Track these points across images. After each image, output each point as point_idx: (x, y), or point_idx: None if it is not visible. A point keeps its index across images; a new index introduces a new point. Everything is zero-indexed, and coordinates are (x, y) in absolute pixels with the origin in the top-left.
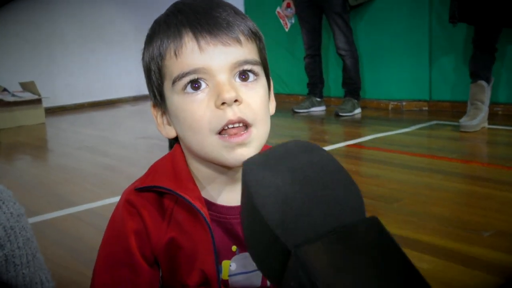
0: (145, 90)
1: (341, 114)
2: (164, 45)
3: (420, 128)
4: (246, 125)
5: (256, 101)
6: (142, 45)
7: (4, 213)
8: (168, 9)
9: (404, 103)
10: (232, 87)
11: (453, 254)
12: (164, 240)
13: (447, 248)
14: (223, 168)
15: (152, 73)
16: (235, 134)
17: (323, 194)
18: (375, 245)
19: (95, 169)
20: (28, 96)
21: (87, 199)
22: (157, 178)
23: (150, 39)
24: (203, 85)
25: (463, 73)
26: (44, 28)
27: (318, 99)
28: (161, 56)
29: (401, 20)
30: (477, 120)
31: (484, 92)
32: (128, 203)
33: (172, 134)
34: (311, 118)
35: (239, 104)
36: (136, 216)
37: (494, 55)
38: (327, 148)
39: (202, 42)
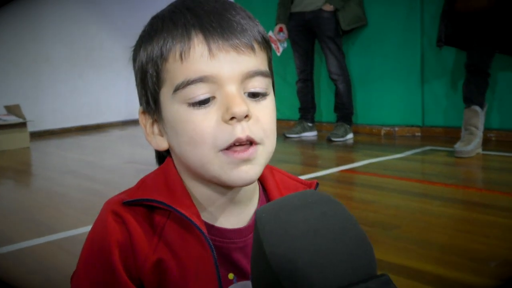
0: (134, 115)
1: (333, 139)
2: (167, 45)
3: (414, 154)
4: (252, 143)
5: (265, 117)
6: (132, 69)
7: None
8: (173, 5)
9: (396, 129)
10: (243, 101)
11: (459, 286)
12: (151, 260)
13: (452, 279)
14: (223, 188)
15: (148, 76)
16: (237, 150)
17: (335, 248)
18: None
19: (80, 194)
20: (12, 119)
21: (69, 225)
22: (148, 192)
23: (149, 36)
24: (210, 99)
25: (456, 98)
26: (30, 51)
27: (310, 124)
28: (163, 58)
29: (393, 45)
30: (471, 145)
31: (478, 117)
32: (113, 213)
33: (163, 146)
34: (302, 143)
35: (248, 120)
36: (122, 227)
37: (487, 80)
38: (320, 173)
39: (213, 47)
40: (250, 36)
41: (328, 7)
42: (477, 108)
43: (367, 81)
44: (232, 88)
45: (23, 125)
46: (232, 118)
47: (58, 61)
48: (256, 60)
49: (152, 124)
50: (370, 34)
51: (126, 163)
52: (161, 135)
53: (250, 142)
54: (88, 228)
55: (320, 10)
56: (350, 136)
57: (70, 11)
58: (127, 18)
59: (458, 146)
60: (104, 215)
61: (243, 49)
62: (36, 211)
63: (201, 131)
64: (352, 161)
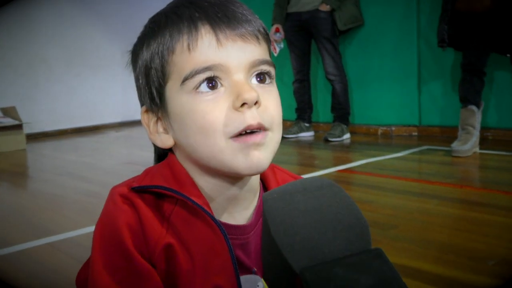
0: (131, 116)
1: (330, 139)
2: (174, 37)
3: (411, 153)
4: (262, 129)
5: (273, 104)
6: (129, 71)
7: None
8: (174, 2)
9: (393, 128)
10: (252, 87)
11: (458, 285)
12: (161, 244)
13: (451, 278)
14: (229, 182)
15: (153, 71)
16: (249, 136)
17: (331, 224)
18: (377, 275)
19: (77, 196)
20: (8, 121)
21: (67, 227)
22: (156, 180)
23: (152, 32)
24: (218, 84)
25: (453, 97)
26: (26, 51)
27: (307, 125)
28: (169, 51)
29: (390, 45)
30: (468, 145)
31: (475, 117)
32: (121, 196)
33: (169, 143)
34: (299, 143)
35: (258, 107)
36: (131, 208)
37: (483, 79)
38: (318, 173)
39: (221, 36)
40: (255, 26)
41: (325, 7)
42: (473, 107)
43: (364, 81)
44: (240, 76)
45: (19, 127)
46: (243, 105)
47: (54, 63)
48: (261, 50)
49: (156, 122)
50: (366, 34)
51: (123, 164)
52: (166, 133)
53: (260, 129)
54: (85, 230)
55: (317, 10)
56: (347, 136)
57: (66, 12)
58: (124, 19)
59: (455, 145)
60: (112, 199)
61: (249, 38)
62: (33, 213)
63: (211, 118)
64: (350, 161)
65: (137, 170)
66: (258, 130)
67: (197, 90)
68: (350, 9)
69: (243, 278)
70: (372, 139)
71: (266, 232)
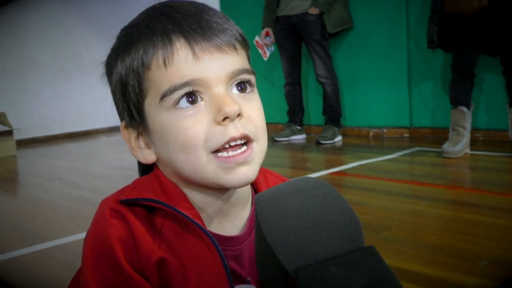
0: None
1: (322, 142)
2: (148, 53)
3: (402, 155)
4: (247, 140)
5: (256, 113)
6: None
7: None
8: (144, 13)
9: (385, 130)
10: (233, 100)
11: (450, 286)
12: (154, 257)
13: (443, 279)
14: (217, 193)
15: (130, 88)
16: (234, 154)
17: (325, 224)
18: (372, 273)
19: (68, 202)
20: None
21: (58, 234)
22: (145, 192)
23: (125, 47)
24: (198, 98)
25: (443, 99)
26: (15, 55)
27: (298, 127)
28: (145, 67)
29: (380, 47)
30: (459, 146)
31: (465, 118)
32: (111, 210)
33: (151, 158)
34: (291, 146)
35: (240, 119)
36: (122, 222)
37: (473, 80)
38: (310, 176)
39: (197, 49)
40: (231, 35)
41: (314, 10)
42: (464, 108)
43: (355, 83)
44: (220, 89)
45: (9, 133)
46: (225, 118)
47: (44, 67)
48: (239, 59)
49: (137, 138)
50: (356, 37)
51: (114, 169)
52: (148, 148)
53: (245, 142)
54: (77, 237)
55: (306, 13)
56: (339, 138)
57: (54, 15)
58: (114, 22)
59: (446, 146)
60: (102, 212)
61: (226, 48)
62: (24, 220)
63: (193, 135)
64: (342, 164)
65: (128, 175)
66: (242, 145)
67: (177, 106)
68: (339, 11)
69: (246, 286)
70: (363, 141)
71: (259, 234)
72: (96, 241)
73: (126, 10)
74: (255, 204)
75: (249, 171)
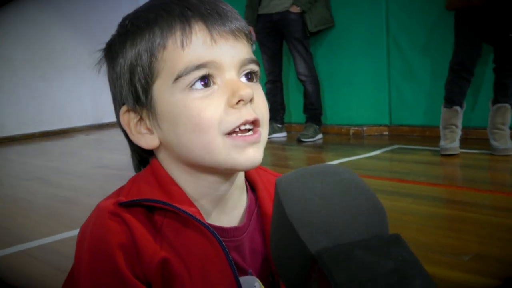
0: (100, 119)
1: (303, 139)
2: (166, 35)
3: (383, 152)
4: (255, 125)
5: (262, 101)
6: (97, 73)
7: None
8: (157, 0)
9: (365, 128)
10: (246, 84)
11: (435, 280)
12: (157, 258)
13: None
14: (221, 179)
15: (139, 69)
16: (246, 134)
17: (349, 208)
18: (398, 259)
19: (48, 201)
20: None
21: (39, 234)
22: (143, 191)
23: (138, 29)
24: (211, 82)
25: (421, 97)
26: None
27: (279, 125)
28: (160, 47)
29: (360, 46)
30: (456, 142)
31: (458, 117)
32: (111, 214)
33: (154, 143)
34: (272, 144)
35: (252, 103)
36: (123, 226)
37: (470, 80)
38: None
39: (214, 33)
40: (243, 24)
41: (295, 9)
42: (458, 108)
43: (335, 81)
44: (232, 74)
45: None
46: (238, 102)
47: (18, 64)
48: (249, 48)
49: (137, 123)
50: (337, 36)
51: (94, 168)
52: (151, 133)
53: (255, 124)
54: (60, 236)
55: (287, 11)
56: (319, 136)
57: (29, 12)
58: (90, 20)
59: (444, 144)
60: (101, 217)
61: (239, 35)
62: (3, 220)
63: (207, 115)
64: (323, 161)
65: (109, 174)
66: (252, 128)
67: (192, 88)
68: (320, 11)
69: (240, 280)
70: (344, 139)
71: (280, 214)
72: (95, 248)
73: (101, 8)
74: (276, 184)
75: (257, 153)
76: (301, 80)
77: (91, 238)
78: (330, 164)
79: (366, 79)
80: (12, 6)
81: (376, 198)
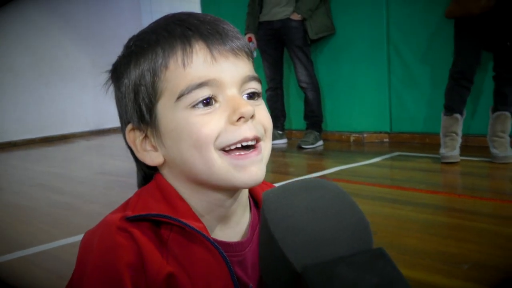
0: (101, 125)
1: (303, 146)
2: (167, 54)
3: (383, 160)
4: (256, 141)
5: (265, 116)
6: (99, 79)
7: None
8: (160, 21)
9: (365, 135)
10: (247, 102)
11: None
12: (163, 274)
13: (428, 283)
14: (225, 196)
15: (143, 89)
16: (246, 152)
17: (333, 224)
18: (382, 274)
19: (50, 208)
20: None
21: (41, 240)
22: (150, 205)
23: (141, 50)
24: (213, 101)
25: (422, 104)
26: None
27: (280, 132)
28: (162, 67)
29: (361, 53)
30: (457, 150)
31: (458, 125)
32: (119, 230)
33: (158, 160)
34: (273, 151)
35: (253, 120)
36: (131, 242)
37: (470, 88)
38: (292, 181)
39: (215, 52)
40: (244, 43)
41: (296, 16)
42: (458, 116)
43: (336, 88)
44: (233, 91)
45: None
46: (239, 119)
47: (21, 71)
48: (250, 65)
49: (143, 141)
50: (338, 43)
51: (96, 174)
52: (155, 150)
53: (255, 141)
54: (61, 242)
55: (288, 19)
56: (320, 143)
57: (33, 19)
58: (93, 27)
59: (444, 152)
60: (109, 231)
61: (240, 53)
62: (5, 226)
63: (206, 132)
64: (323, 168)
65: (111, 180)
66: (252, 146)
67: (194, 106)
68: (321, 18)
69: None
70: (344, 146)
71: (266, 232)
72: (102, 264)
73: (104, 14)
74: (262, 201)
75: (259, 171)
76: (302, 87)
77: (98, 253)
78: (315, 179)
79: (367, 86)
80: (15, 12)
81: (361, 212)
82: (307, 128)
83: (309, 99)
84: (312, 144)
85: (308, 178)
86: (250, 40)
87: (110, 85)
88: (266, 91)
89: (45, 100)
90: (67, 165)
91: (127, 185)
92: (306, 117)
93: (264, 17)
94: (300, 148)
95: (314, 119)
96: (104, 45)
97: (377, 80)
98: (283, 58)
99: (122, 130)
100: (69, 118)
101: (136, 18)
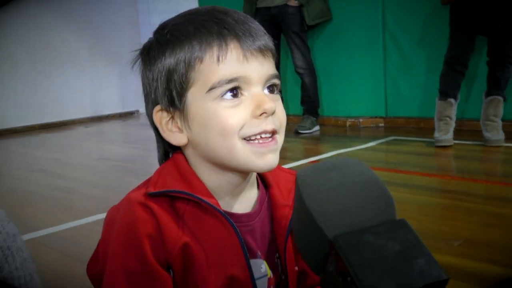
0: (100, 111)
1: (300, 131)
2: (204, 49)
3: (378, 144)
4: (273, 133)
5: (282, 111)
6: (96, 65)
7: (0, 233)
8: (200, 15)
9: (361, 120)
10: (270, 99)
11: None
12: (179, 243)
13: None
14: (239, 177)
15: (176, 76)
16: (265, 141)
17: (360, 197)
18: (403, 242)
19: (54, 192)
20: None
21: (49, 223)
22: (169, 182)
23: (178, 41)
24: (239, 93)
25: (416, 89)
26: None
27: None
28: (198, 60)
29: (357, 39)
30: (450, 134)
31: (452, 109)
32: (140, 205)
33: (183, 141)
34: None
35: (273, 116)
36: (151, 216)
37: (465, 73)
38: (291, 165)
39: (247, 52)
40: (270, 42)
41: (293, 2)
42: (452, 100)
43: (332, 74)
44: (258, 88)
45: None
46: (262, 114)
47: (19, 59)
48: (273, 64)
49: (168, 122)
50: (334, 29)
51: (96, 159)
52: (180, 131)
53: (273, 133)
54: (68, 225)
55: (286, 5)
56: (316, 128)
57: (29, 7)
58: (88, 14)
59: (438, 136)
60: (132, 207)
61: (266, 54)
62: (11, 211)
63: (232, 123)
64: (320, 153)
65: (111, 165)
66: (270, 136)
67: (222, 98)
68: (318, 4)
69: (250, 262)
70: (340, 131)
71: (300, 205)
72: (126, 234)
73: (100, 3)
74: (296, 178)
75: (275, 158)
76: (298, 73)
77: (122, 225)
78: (342, 158)
79: (363, 72)
80: (13, 2)
81: (385, 186)
82: (304, 114)
83: (306, 84)
84: (309, 129)
85: (336, 158)
86: None
87: (136, 62)
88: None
89: (44, 87)
90: (67, 151)
91: (127, 170)
92: (303, 102)
93: (261, 3)
94: (297, 133)
95: (310, 104)
96: (100, 32)
97: (373, 65)
98: (280, 44)
99: (147, 108)
100: (67, 105)
101: (132, 5)
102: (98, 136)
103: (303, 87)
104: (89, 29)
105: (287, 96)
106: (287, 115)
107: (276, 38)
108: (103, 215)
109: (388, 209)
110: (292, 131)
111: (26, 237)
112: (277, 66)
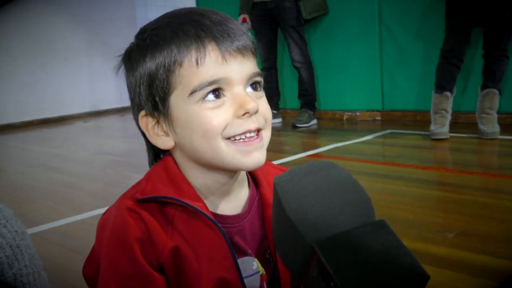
0: (98, 106)
1: (298, 125)
2: (182, 53)
3: (375, 137)
4: (258, 131)
5: (266, 108)
6: (95, 61)
7: (9, 232)
8: (174, 16)
9: (358, 113)
10: (252, 99)
11: (421, 256)
12: (168, 247)
13: (415, 250)
14: (227, 176)
15: (158, 82)
16: (250, 140)
17: (338, 201)
18: (384, 243)
19: (54, 187)
20: None
21: (50, 218)
22: (157, 188)
23: (156, 45)
24: (221, 95)
25: (413, 83)
26: None
27: (275, 111)
28: (177, 64)
29: (353, 33)
30: (446, 127)
31: (448, 102)
32: (129, 211)
33: (170, 144)
34: None
35: (256, 114)
36: (139, 222)
37: (460, 66)
38: (288, 159)
39: (225, 53)
40: (249, 42)
41: None
42: (448, 93)
43: (329, 68)
44: (240, 88)
45: None
46: (245, 113)
47: (18, 53)
48: (254, 64)
49: (155, 126)
50: (331, 23)
51: (95, 154)
52: (167, 135)
53: (258, 130)
54: (68, 220)
55: None
56: (314, 122)
57: (27, 3)
58: (87, 9)
59: (434, 128)
60: (122, 213)
61: (246, 53)
62: (12, 205)
63: (215, 124)
64: (318, 146)
65: (110, 160)
66: (254, 134)
67: (204, 100)
68: None
69: (240, 260)
70: (338, 124)
71: (279, 211)
72: (116, 239)
73: None
74: (274, 184)
75: (261, 156)
76: (295, 67)
77: (112, 230)
78: (319, 161)
79: (359, 65)
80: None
81: (362, 188)
82: (301, 107)
83: (303, 78)
84: (306, 122)
85: (313, 161)
86: (244, 20)
87: (120, 68)
88: (261, 70)
89: (42, 82)
90: (66, 146)
91: (126, 164)
92: (300, 96)
93: None
94: (294, 127)
95: (308, 98)
96: (98, 27)
97: (369, 59)
98: (277, 38)
99: (133, 113)
100: (66, 100)
101: (130, 0)
102: (97, 131)
103: (300, 81)
104: (87, 24)
105: (284, 90)
106: (284, 109)
107: (273, 32)
108: (103, 209)
109: (367, 211)
110: (289, 125)
111: (29, 231)
112: (275, 60)
